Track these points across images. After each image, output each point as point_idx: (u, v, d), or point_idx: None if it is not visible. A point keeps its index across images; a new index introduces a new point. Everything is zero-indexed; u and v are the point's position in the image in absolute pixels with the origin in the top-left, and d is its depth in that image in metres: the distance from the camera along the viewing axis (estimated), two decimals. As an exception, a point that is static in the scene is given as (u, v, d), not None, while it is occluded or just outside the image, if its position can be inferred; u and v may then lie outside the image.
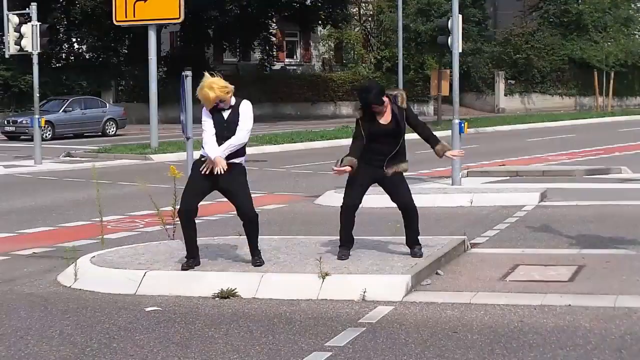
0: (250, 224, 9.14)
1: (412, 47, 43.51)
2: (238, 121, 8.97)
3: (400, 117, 9.20)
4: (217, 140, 8.94)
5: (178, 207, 9.22)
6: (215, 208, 13.99)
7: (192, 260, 9.14)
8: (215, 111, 9.00)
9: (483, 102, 56.74)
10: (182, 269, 9.05)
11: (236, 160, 9.02)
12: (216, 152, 8.84)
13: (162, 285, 8.81)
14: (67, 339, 7.20)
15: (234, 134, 8.93)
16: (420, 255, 9.29)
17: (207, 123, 8.99)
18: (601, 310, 7.65)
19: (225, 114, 8.99)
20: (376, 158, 9.22)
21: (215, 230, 12.10)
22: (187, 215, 9.10)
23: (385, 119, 9.22)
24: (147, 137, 30.32)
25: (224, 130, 8.96)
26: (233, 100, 9.01)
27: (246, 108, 9.06)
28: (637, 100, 62.14)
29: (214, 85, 8.87)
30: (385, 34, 55.02)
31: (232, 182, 9.00)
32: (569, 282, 8.64)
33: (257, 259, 9.14)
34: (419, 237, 9.51)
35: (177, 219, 10.76)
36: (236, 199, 9.10)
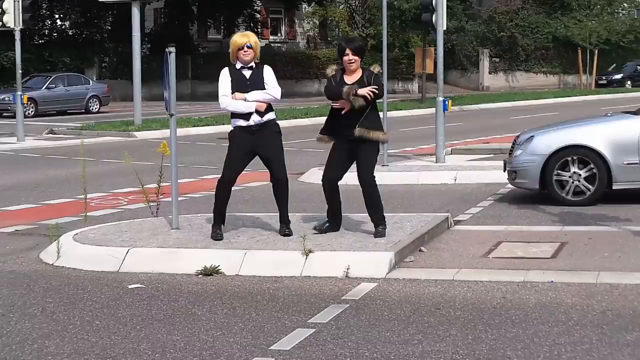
0: (283, 190, 9.35)
1: (397, 24, 43.30)
2: (262, 81, 9.14)
3: (368, 80, 9.14)
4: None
5: (220, 177, 9.38)
6: (199, 185, 13.98)
7: (220, 231, 9.29)
8: (236, 70, 9.18)
9: (467, 79, 56.65)
10: (213, 239, 9.19)
11: (270, 116, 9.24)
12: (250, 103, 9.08)
13: (145, 262, 8.80)
14: (50, 316, 7.18)
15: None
16: (383, 235, 9.16)
17: (225, 85, 9.18)
18: (583, 286, 7.69)
19: (247, 74, 9.17)
20: (344, 125, 9.16)
21: (198, 207, 12.07)
22: (228, 186, 9.31)
23: (351, 79, 9.20)
24: (130, 114, 30.19)
25: (247, 88, 9.14)
26: (254, 64, 9.20)
27: (271, 72, 9.28)
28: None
29: (250, 34, 9.27)
30: (369, 12, 54.79)
31: (269, 147, 9.23)
32: (552, 259, 8.68)
33: (285, 228, 9.33)
34: (384, 215, 9.40)
35: (162, 196, 10.80)
36: (271, 164, 9.31)
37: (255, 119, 9.13)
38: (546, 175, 12.03)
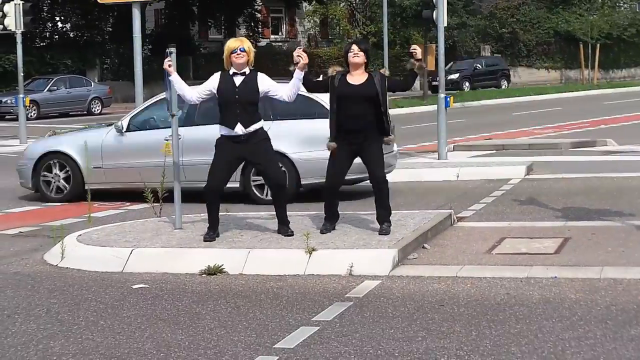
0: (279, 192, 9.31)
1: (398, 22, 43.41)
2: (254, 90, 9.10)
3: (378, 82, 9.13)
4: (227, 106, 9.10)
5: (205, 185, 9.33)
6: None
7: (212, 234, 9.25)
8: (227, 76, 9.12)
9: (469, 76, 56.62)
10: (205, 240, 9.14)
11: (257, 126, 9.17)
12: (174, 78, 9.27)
13: (149, 262, 8.81)
14: (54, 317, 7.20)
15: (245, 100, 9.08)
16: (387, 233, 9.14)
17: (202, 86, 9.22)
18: (587, 281, 7.69)
19: (237, 80, 9.09)
20: (350, 125, 9.13)
21: (201, 207, 12.05)
22: (215, 194, 9.27)
23: (356, 79, 9.18)
24: (132, 115, 30.17)
25: (234, 95, 9.07)
26: (247, 70, 9.16)
27: (268, 78, 9.31)
28: (623, 72, 62.17)
29: (244, 39, 9.34)
30: (370, 9, 54.86)
31: (259, 153, 9.16)
32: (555, 255, 8.68)
33: (285, 229, 9.29)
34: (390, 213, 9.38)
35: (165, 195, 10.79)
36: (264, 168, 9.29)
37: (241, 129, 9.07)
38: (36, 176, 13.71)
